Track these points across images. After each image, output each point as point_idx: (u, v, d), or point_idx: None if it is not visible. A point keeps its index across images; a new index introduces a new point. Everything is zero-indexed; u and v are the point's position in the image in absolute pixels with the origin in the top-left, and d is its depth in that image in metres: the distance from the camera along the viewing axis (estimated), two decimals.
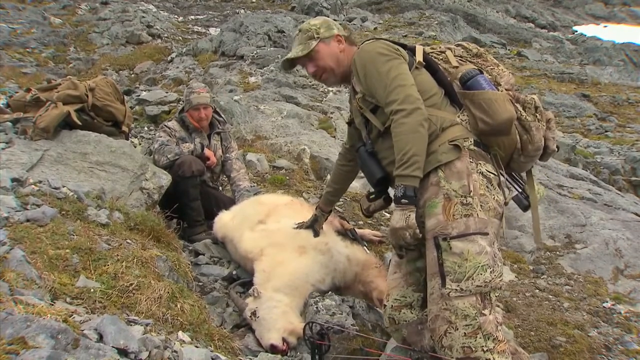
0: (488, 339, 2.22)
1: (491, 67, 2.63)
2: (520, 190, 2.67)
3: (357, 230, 4.17)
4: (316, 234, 3.35)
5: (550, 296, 4.27)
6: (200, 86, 5.02)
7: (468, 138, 2.41)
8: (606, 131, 10.89)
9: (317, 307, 3.12)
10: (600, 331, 3.78)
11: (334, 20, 3.37)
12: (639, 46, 24.37)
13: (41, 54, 13.46)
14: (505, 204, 2.48)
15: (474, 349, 2.21)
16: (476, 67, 2.55)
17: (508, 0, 30.26)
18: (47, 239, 2.52)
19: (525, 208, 2.65)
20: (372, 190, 2.77)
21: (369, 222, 5.11)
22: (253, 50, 11.67)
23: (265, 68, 10.61)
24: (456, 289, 2.23)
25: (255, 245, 3.57)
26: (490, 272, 2.27)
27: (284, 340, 2.95)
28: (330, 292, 3.34)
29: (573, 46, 23.43)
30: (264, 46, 12.17)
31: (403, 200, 2.28)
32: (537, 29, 27.46)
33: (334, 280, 3.43)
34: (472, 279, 2.23)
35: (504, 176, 2.50)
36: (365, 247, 3.79)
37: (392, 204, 2.39)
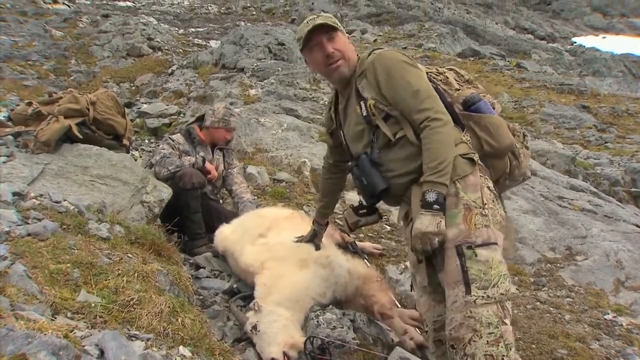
0: (509, 348, 2.24)
1: (482, 94, 2.70)
2: None
3: (357, 243, 4.17)
4: (317, 248, 3.37)
5: (552, 308, 4.26)
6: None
7: (475, 153, 2.48)
8: (606, 142, 10.91)
9: (318, 321, 3.11)
10: (601, 344, 3.77)
11: None
12: (637, 57, 24.56)
13: (42, 67, 13.49)
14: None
15: (495, 357, 2.22)
16: (476, 93, 2.63)
17: (507, 12, 30.44)
18: (48, 254, 2.51)
19: None
20: (362, 203, 2.78)
21: (370, 234, 5.10)
22: (253, 62, 11.71)
23: (265, 81, 10.63)
24: (482, 296, 2.25)
25: (256, 258, 3.56)
26: (509, 281, 2.33)
27: (284, 354, 2.93)
28: (331, 306, 3.33)
29: (572, 57, 23.60)
30: (265, 59, 12.20)
31: (435, 206, 2.31)
32: (536, 40, 27.64)
33: (334, 293, 3.41)
34: (497, 286, 2.27)
35: (498, 195, 2.58)
36: (366, 260, 3.78)
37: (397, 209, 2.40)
